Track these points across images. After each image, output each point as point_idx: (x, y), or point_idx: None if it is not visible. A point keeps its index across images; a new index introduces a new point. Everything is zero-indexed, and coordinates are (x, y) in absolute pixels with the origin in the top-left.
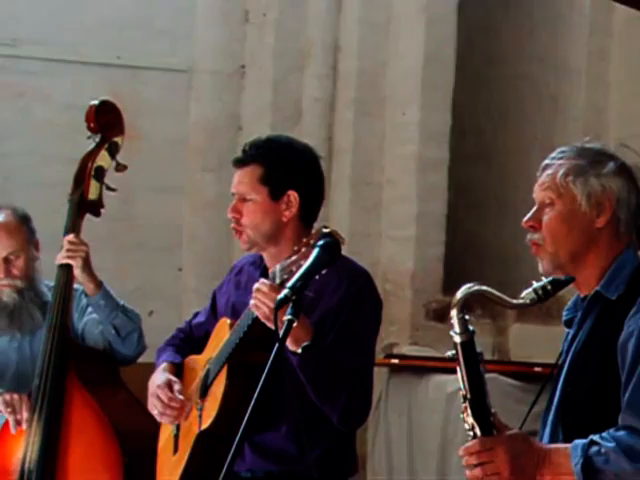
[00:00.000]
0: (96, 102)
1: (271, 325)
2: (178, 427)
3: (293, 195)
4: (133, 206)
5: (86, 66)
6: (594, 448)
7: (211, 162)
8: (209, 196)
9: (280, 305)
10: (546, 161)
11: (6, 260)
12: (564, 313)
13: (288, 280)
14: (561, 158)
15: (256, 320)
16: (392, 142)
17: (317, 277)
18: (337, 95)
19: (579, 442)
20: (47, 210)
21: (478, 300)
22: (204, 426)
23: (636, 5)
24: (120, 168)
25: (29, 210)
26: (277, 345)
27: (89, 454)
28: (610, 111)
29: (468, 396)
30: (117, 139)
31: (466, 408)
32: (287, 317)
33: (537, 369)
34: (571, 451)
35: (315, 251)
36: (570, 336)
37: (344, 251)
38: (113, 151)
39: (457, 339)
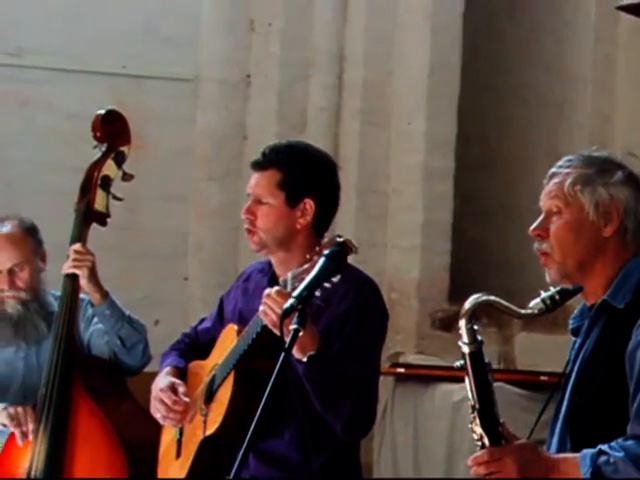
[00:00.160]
0: (102, 111)
1: (278, 333)
2: (181, 431)
3: (309, 203)
4: (139, 215)
5: (91, 75)
6: (603, 458)
7: (217, 171)
8: (215, 205)
9: (286, 314)
10: (553, 169)
11: (10, 272)
12: (570, 322)
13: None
14: (568, 167)
15: (265, 328)
16: (398, 151)
17: (329, 285)
18: (343, 104)
19: (588, 452)
20: (53, 219)
21: (484, 309)
22: (209, 432)
23: None
24: (127, 177)
25: (34, 219)
26: (283, 354)
27: (95, 463)
28: (616, 119)
29: (477, 406)
30: (123, 148)
31: (474, 418)
32: (293, 326)
33: (543, 378)
34: (580, 460)
35: (321, 260)
36: (577, 345)
37: (350, 260)
38: (119, 160)
39: (466, 349)
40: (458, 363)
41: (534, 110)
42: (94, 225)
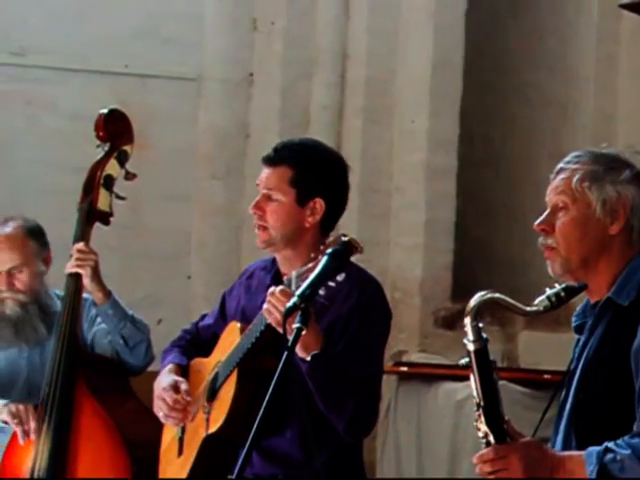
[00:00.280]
0: (105, 111)
1: (282, 331)
2: (183, 429)
3: (319, 203)
4: (142, 214)
5: (94, 75)
6: (609, 455)
7: (220, 170)
8: (218, 203)
9: (289, 313)
10: (560, 165)
11: (9, 273)
12: (573, 319)
13: None
14: (576, 163)
15: (268, 326)
16: (400, 149)
17: (333, 284)
18: (345, 103)
19: (593, 449)
20: (56, 219)
21: (488, 307)
22: (212, 430)
23: None
24: (129, 177)
25: (38, 219)
26: (286, 353)
27: (98, 462)
28: (619, 118)
29: (482, 404)
30: (126, 148)
31: (480, 416)
32: (296, 325)
33: (546, 376)
34: (586, 458)
35: (324, 259)
36: (581, 342)
37: (352, 259)
38: (122, 160)
39: (471, 347)
40: (463, 361)
41: (537, 109)
42: (97, 224)
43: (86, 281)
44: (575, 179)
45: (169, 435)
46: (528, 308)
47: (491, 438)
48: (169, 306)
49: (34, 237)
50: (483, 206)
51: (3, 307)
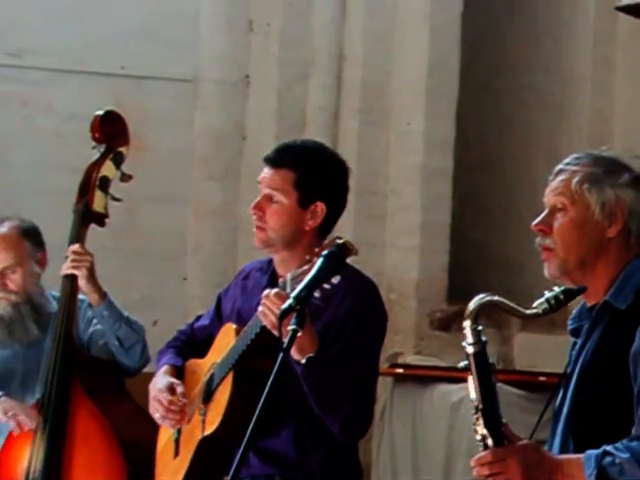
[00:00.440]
0: (101, 112)
1: (277, 334)
2: (179, 431)
3: (321, 206)
4: (138, 215)
5: (90, 76)
6: (608, 459)
7: (216, 171)
8: (214, 205)
9: (284, 315)
10: (560, 166)
11: (2, 274)
12: (569, 322)
13: None
14: (576, 164)
15: (263, 328)
16: (396, 151)
17: (328, 286)
18: (341, 104)
19: (592, 453)
20: (52, 220)
21: (484, 309)
22: (208, 432)
23: None
24: (125, 178)
25: (33, 220)
26: (281, 355)
27: (93, 464)
28: (615, 119)
29: (480, 406)
30: (122, 149)
31: (478, 419)
32: (291, 327)
33: (542, 378)
34: (584, 461)
35: (319, 261)
36: (578, 346)
37: (348, 260)
38: (118, 161)
39: (470, 350)
40: (462, 363)
41: (533, 110)
42: (93, 226)
43: (82, 282)
44: (574, 181)
45: (165, 437)
46: (527, 311)
47: (489, 441)
48: (165, 307)
49: (29, 238)
50: (479, 208)
51: None
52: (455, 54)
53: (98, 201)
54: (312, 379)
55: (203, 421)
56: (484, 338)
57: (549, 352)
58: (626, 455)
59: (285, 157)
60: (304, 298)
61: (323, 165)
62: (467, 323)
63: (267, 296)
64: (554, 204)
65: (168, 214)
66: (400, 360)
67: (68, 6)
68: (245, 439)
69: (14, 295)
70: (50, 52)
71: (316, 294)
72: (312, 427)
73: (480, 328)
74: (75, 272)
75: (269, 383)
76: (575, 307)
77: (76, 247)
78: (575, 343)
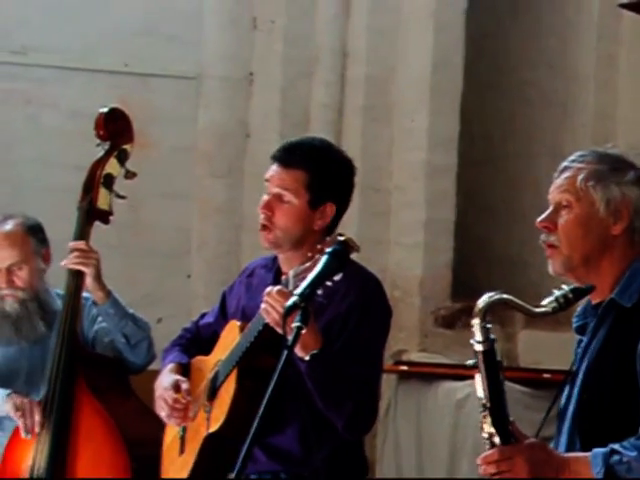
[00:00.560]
0: (105, 110)
1: (280, 331)
2: (184, 428)
3: (330, 207)
4: (142, 213)
5: (95, 73)
6: (615, 457)
7: (220, 168)
8: (218, 202)
9: (289, 312)
10: (565, 163)
11: (9, 270)
12: (574, 320)
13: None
14: (581, 162)
15: (267, 325)
16: (400, 148)
17: (330, 283)
18: (345, 101)
19: (599, 451)
20: (56, 217)
21: (488, 307)
22: (212, 429)
23: None
24: (129, 176)
25: (38, 217)
26: (285, 353)
27: (97, 461)
28: (618, 117)
29: (488, 405)
30: (126, 146)
31: (485, 417)
32: (295, 324)
33: (546, 375)
34: (591, 460)
35: (324, 258)
36: (584, 344)
37: (353, 257)
38: (122, 159)
39: (478, 347)
40: (470, 361)
41: (537, 108)
42: (97, 223)
43: (89, 280)
44: (580, 178)
45: (171, 434)
46: (536, 309)
47: (496, 439)
48: (169, 305)
49: (34, 234)
50: (483, 205)
51: (3, 304)
52: (459, 51)
53: (102, 198)
54: (315, 376)
55: (208, 418)
56: (493, 336)
57: (553, 349)
58: (634, 453)
59: (296, 157)
60: (308, 295)
61: (334, 166)
62: (476, 321)
63: (269, 293)
64: (559, 201)
65: (172, 211)
66: (404, 357)
67: (72, 4)
68: (249, 436)
69: (21, 292)
70: (54, 50)
71: (318, 291)
72: (317, 424)
73: (489, 326)
74: (83, 269)
75: (273, 380)
76: (579, 304)
77: (82, 245)
78: (580, 341)
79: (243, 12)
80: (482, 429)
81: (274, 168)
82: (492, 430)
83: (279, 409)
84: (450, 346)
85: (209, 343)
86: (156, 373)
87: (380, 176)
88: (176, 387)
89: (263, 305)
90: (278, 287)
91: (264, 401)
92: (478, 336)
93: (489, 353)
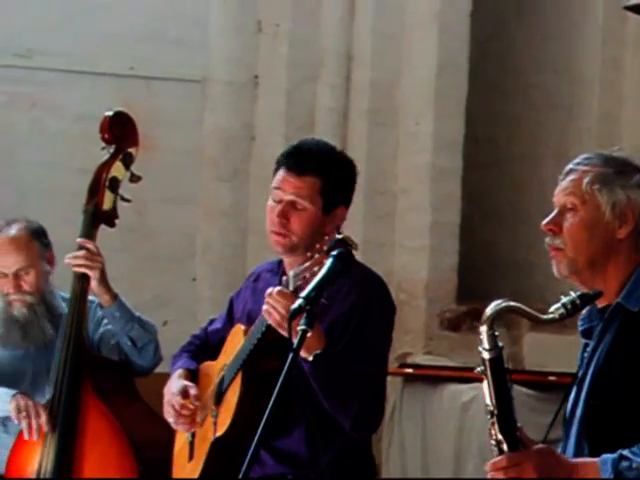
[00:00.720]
0: (110, 113)
1: (282, 332)
2: (193, 434)
3: (341, 211)
4: (147, 216)
5: (100, 77)
6: (625, 463)
7: (225, 172)
8: (223, 206)
9: (294, 315)
10: (570, 166)
11: (16, 275)
12: (579, 323)
13: (301, 287)
14: (587, 165)
15: (269, 327)
16: (406, 151)
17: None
18: (350, 105)
19: (608, 457)
20: (61, 221)
21: (499, 314)
22: (219, 433)
23: None
24: (134, 179)
25: (42, 221)
26: (291, 356)
27: (104, 464)
28: (623, 120)
29: (495, 412)
30: (131, 150)
31: (493, 424)
32: (301, 327)
33: (551, 378)
34: (600, 465)
35: (329, 261)
36: (590, 348)
37: (359, 259)
38: (127, 162)
39: (486, 355)
40: (478, 369)
41: (542, 111)
42: (102, 226)
43: (94, 283)
44: (585, 181)
45: (181, 440)
46: (544, 316)
47: (504, 446)
48: (174, 308)
49: (38, 238)
50: (488, 208)
51: (11, 309)
52: (464, 54)
53: (108, 202)
54: (319, 376)
55: (215, 423)
56: (500, 344)
57: (559, 352)
58: None
59: (309, 163)
60: (314, 298)
61: (344, 171)
62: (483, 329)
63: (270, 294)
64: (564, 204)
65: (177, 215)
66: (410, 360)
67: (77, 7)
68: (255, 439)
69: (29, 296)
70: (59, 53)
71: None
72: (323, 425)
73: (497, 334)
74: (88, 272)
75: (279, 383)
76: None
77: (90, 243)
78: (586, 345)
79: (248, 16)
80: (490, 435)
81: (285, 175)
82: (500, 437)
83: (285, 411)
84: (455, 349)
85: (217, 349)
86: (162, 376)
87: (385, 179)
88: (184, 393)
89: (265, 306)
90: (278, 288)
91: (270, 404)
92: (486, 344)
93: (497, 360)
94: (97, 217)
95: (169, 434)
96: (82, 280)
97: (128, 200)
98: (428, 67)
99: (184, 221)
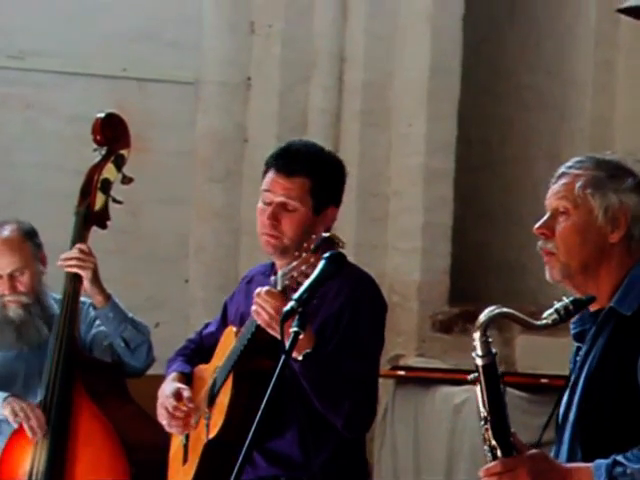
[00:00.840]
0: (102, 115)
1: (272, 332)
2: (187, 437)
3: (332, 211)
4: (140, 218)
5: (93, 78)
6: (619, 469)
7: (218, 173)
8: (216, 207)
9: (286, 317)
10: (562, 169)
11: (11, 276)
12: (571, 326)
13: (289, 286)
14: (579, 168)
15: (259, 327)
16: (398, 153)
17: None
18: (343, 106)
19: (602, 462)
20: (54, 222)
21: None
22: (211, 435)
23: None
24: (126, 181)
25: (35, 222)
26: (283, 358)
27: (96, 466)
28: (616, 122)
29: (489, 418)
30: (123, 152)
31: (487, 430)
32: (293, 329)
33: (544, 380)
34: (594, 471)
35: (321, 263)
36: (583, 352)
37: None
38: (119, 164)
39: (479, 362)
40: (472, 376)
41: (534, 113)
42: (94, 228)
43: (86, 284)
44: (578, 185)
45: (176, 443)
46: (537, 322)
47: (498, 452)
48: (167, 310)
49: (31, 239)
50: (481, 209)
51: (5, 310)
52: (456, 56)
53: (100, 203)
54: (310, 375)
55: (207, 425)
56: (494, 350)
57: (551, 354)
58: (637, 465)
59: (298, 165)
60: (306, 300)
61: (334, 171)
62: (477, 335)
63: (259, 294)
64: (556, 208)
65: (170, 216)
66: (402, 362)
67: (70, 9)
68: (247, 440)
69: (24, 297)
70: (53, 54)
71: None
72: (316, 426)
73: (490, 340)
74: (80, 272)
75: (270, 385)
76: None
77: (83, 247)
78: (579, 348)
79: (241, 17)
80: (484, 441)
81: (275, 177)
82: (494, 443)
83: (278, 413)
84: (448, 351)
85: (212, 352)
86: (155, 378)
87: (378, 181)
88: (177, 395)
89: (253, 307)
90: (267, 288)
91: (262, 406)
92: (479, 350)
93: (490, 367)
94: (89, 218)
95: (161, 436)
96: (74, 280)
97: (120, 202)
98: (421, 69)
99: (177, 222)
